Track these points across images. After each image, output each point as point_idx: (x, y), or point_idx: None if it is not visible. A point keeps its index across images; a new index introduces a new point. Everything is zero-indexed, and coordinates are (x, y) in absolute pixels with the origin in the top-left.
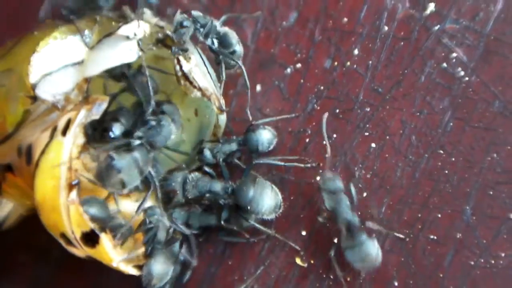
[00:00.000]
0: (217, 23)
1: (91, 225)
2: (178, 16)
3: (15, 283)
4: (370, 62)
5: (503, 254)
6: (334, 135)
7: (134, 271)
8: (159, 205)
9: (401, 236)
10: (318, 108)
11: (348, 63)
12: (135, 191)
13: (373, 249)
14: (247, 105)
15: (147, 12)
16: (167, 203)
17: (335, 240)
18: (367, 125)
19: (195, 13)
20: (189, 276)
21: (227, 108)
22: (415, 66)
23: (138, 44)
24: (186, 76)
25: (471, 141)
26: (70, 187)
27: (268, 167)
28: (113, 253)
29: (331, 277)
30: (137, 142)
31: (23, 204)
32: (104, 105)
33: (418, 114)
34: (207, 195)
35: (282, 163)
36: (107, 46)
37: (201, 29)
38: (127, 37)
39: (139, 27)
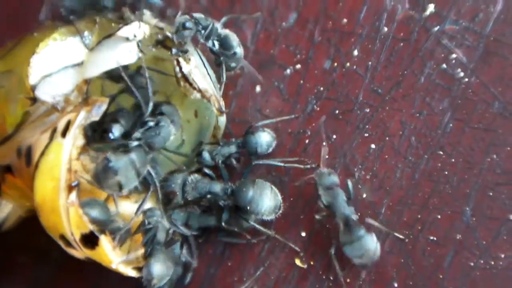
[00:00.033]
0: (218, 25)
1: (91, 227)
2: (180, 18)
3: (14, 284)
4: (370, 63)
5: (502, 255)
6: (334, 136)
7: (133, 273)
8: (159, 206)
9: (401, 236)
10: (318, 109)
11: (348, 64)
12: (135, 192)
13: (371, 243)
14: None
15: (147, 13)
16: (167, 205)
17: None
18: (367, 126)
19: (196, 15)
20: (191, 278)
21: (226, 110)
22: (414, 67)
23: (138, 46)
24: (185, 78)
25: (470, 142)
26: (70, 188)
27: (268, 168)
28: (112, 255)
29: (331, 278)
30: (135, 143)
31: (23, 205)
32: (104, 107)
33: (417, 115)
34: (208, 196)
35: (282, 164)
36: (106, 47)
37: (203, 31)
38: (127, 39)
39: (139, 28)
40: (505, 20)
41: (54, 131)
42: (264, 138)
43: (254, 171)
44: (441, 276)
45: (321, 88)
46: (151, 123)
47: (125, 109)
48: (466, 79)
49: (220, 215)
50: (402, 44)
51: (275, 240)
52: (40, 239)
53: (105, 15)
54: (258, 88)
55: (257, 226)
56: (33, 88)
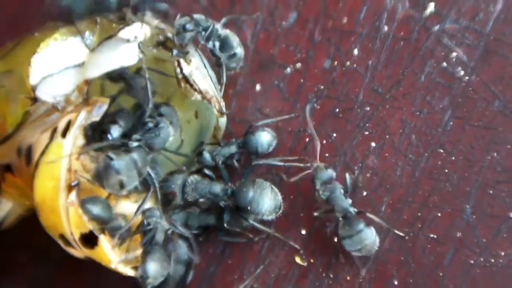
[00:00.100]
0: (218, 26)
1: (90, 227)
2: (181, 19)
3: (14, 283)
4: (370, 62)
5: (503, 253)
6: (334, 135)
7: (132, 273)
8: (158, 206)
9: (401, 234)
10: (318, 107)
11: (348, 63)
12: (134, 192)
13: (371, 236)
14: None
15: (148, 14)
16: (166, 205)
17: (335, 240)
18: (367, 125)
19: (197, 16)
20: (192, 277)
21: (227, 111)
22: (415, 66)
23: (139, 47)
24: (186, 79)
25: (471, 140)
26: (70, 188)
27: (268, 167)
28: (111, 255)
29: (331, 275)
30: (135, 144)
31: (22, 204)
32: (104, 107)
33: (418, 113)
34: (208, 196)
35: (282, 164)
36: (107, 48)
37: (203, 33)
38: (128, 40)
39: (141, 28)
40: (505, 19)
41: (54, 131)
42: (265, 138)
43: (254, 170)
44: (441, 274)
45: (321, 87)
46: (151, 124)
47: (124, 109)
48: (467, 78)
49: (220, 215)
50: (402, 43)
51: (275, 238)
52: (40, 238)
53: (106, 15)
54: (258, 87)
55: (257, 225)
56: (34, 88)
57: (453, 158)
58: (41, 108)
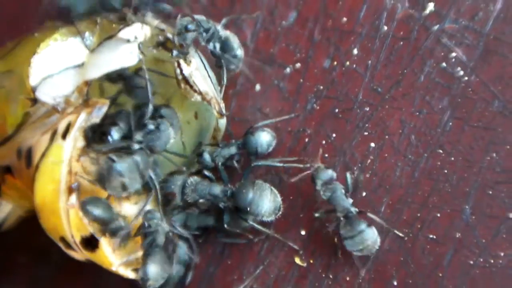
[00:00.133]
0: (219, 27)
1: (91, 229)
2: (182, 20)
3: (14, 284)
4: (370, 61)
5: (502, 254)
6: (334, 135)
7: (133, 275)
8: (159, 208)
9: (401, 234)
10: (318, 107)
11: (348, 63)
12: (135, 194)
13: (372, 236)
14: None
15: (148, 14)
16: (165, 205)
17: (335, 240)
18: (367, 125)
19: (198, 17)
20: (191, 278)
21: (227, 113)
22: (414, 65)
23: (139, 48)
24: (186, 80)
25: (470, 141)
26: (70, 190)
27: (268, 168)
28: (112, 258)
29: (330, 276)
30: (137, 146)
31: (22, 206)
32: (104, 109)
33: (417, 113)
34: (207, 197)
35: (281, 165)
36: (107, 49)
37: (204, 34)
38: (128, 40)
39: (142, 29)
40: (504, 19)
41: (54, 132)
42: (264, 138)
43: (253, 171)
44: (440, 275)
45: (321, 87)
46: (152, 126)
47: (124, 111)
48: (466, 78)
49: (219, 216)
50: (402, 43)
51: (275, 239)
52: (40, 239)
53: (106, 16)
54: (258, 87)
55: (256, 225)
56: (34, 89)
57: (453, 158)
58: (41, 109)
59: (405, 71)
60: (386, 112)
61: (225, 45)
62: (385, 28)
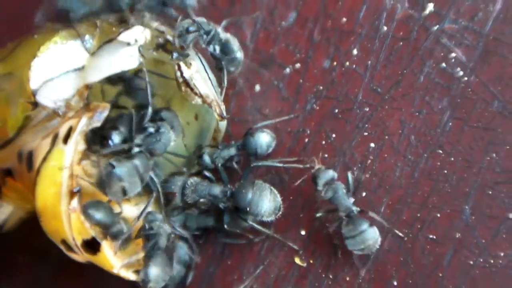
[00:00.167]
0: (219, 30)
1: (92, 233)
2: (183, 22)
3: (14, 284)
4: (369, 62)
5: (502, 254)
6: (333, 135)
7: (134, 277)
8: (161, 211)
9: (401, 234)
10: (317, 108)
11: (347, 63)
12: (135, 195)
13: (374, 236)
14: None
15: (147, 16)
16: (165, 205)
17: (335, 241)
18: (366, 125)
19: (199, 19)
20: (192, 278)
21: (228, 115)
22: (414, 66)
23: (139, 51)
24: (187, 83)
25: (470, 141)
26: (72, 194)
27: (267, 168)
28: (114, 260)
29: (330, 276)
30: (136, 149)
31: (23, 208)
32: (105, 113)
33: (417, 114)
34: (207, 198)
35: (281, 165)
36: (107, 52)
37: (205, 36)
38: (128, 44)
39: (143, 32)
40: (504, 19)
41: (55, 137)
42: (264, 139)
43: (253, 171)
44: (440, 275)
45: (321, 87)
46: (151, 129)
47: (124, 115)
48: (466, 78)
49: (219, 216)
50: (401, 43)
51: (275, 239)
52: (41, 240)
53: (106, 18)
54: (257, 87)
55: (256, 225)
56: (34, 92)
57: (452, 159)
58: (42, 113)
59: (405, 71)
60: (385, 112)
61: (225, 48)
62: (385, 28)
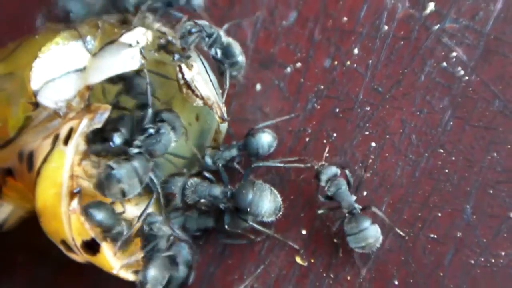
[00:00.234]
0: (221, 33)
1: (92, 234)
2: (186, 24)
3: (14, 284)
4: (370, 61)
5: (503, 253)
6: (334, 134)
7: (133, 277)
8: (161, 212)
9: (402, 233)
10: (318, 107)
11: (348, 63)
12: (135, 196)
13: (375, 234)
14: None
15: (149, 17)
16: (165, 206)
17: (336, 240)
18: (367, 124)
19: (201, 22)
20: (193, 278)
21: (228, 118)
22: (415, 65)
23: (141, 52)
24: (188, 85)
25: (471, 140)
26: (72, 195)
27: (268, 168)
28: (113, 261)
29: (331, 275)
30: (136, 150)
31: (23, 207)
32: (106, 114)
33: (418, 113)
34: (208, 199)
35: (282, 165)
36: (109, 53)
37: (207, 39)
38: (130, 45)
39: (144, 34)
40: (505, 19)
41: (56, 137)
42: (265, 139)
43: (254, 171)
44: (441, 274)
45: (322, 87)
46: (151, 130)
47: (126, 116)
48: (467, 78)
49: (219, 217)
50: (402, 42)
51: (275, 239)
52: (40, 240)
53: (107, 19)
54: (258, 87)
55: (256, 225)
56: (35, 93)
57: (453, 158)
58: (43, 114)
59: (406, 70)
60: (386, 111)
61: (227, 51)
62: (386, 27)
